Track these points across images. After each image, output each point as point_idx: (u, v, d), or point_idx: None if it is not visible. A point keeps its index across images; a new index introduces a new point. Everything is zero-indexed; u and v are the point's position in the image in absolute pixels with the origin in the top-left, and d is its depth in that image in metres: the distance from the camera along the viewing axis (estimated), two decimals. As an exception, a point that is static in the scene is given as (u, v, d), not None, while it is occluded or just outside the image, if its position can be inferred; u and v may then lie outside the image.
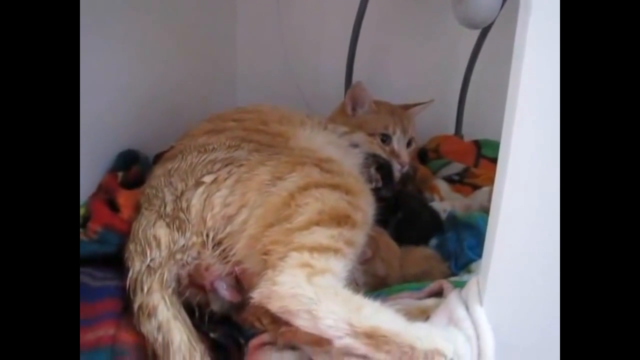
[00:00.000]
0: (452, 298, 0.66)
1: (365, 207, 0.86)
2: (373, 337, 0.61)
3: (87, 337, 0.74)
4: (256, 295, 0.70)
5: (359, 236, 0.82)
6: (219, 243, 0.80)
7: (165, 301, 0.74)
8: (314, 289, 0.66)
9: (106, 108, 1.04)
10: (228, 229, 0.80)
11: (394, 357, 0.60)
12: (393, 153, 1.30)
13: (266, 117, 1.01)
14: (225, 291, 0.81)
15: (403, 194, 1.18)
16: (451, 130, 1.72)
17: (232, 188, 0.82)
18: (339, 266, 0.74)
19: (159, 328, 0.72)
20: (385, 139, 1.32)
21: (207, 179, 0.83)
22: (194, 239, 0.80)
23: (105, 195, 0.96)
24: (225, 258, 0.80)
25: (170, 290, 0.77)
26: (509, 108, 0.57)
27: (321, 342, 0.71)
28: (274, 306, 0.68)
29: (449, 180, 1.43)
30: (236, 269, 0.80)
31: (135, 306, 0.75)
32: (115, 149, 1.09)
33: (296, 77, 1.70)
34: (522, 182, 0.58)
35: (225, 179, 0.83)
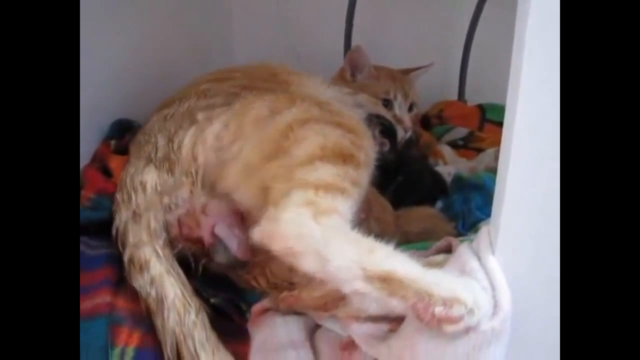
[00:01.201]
0: (463, 250, 0.63)
1: (368, 148, 0.81)
2: (387, 282, 0.57)
3: (84, 305, 0.72)
4: (256, 234, 0.66)
5: (364, 176, 0.77)
6: (209, 175, 0.76)
7: (157, 254, 0.72)
8: (321, 229, 0.62)
9: (101, 78, 1.01)
10: (219, 158, 0.76)
11: (408, 303, 0.56)
12: (395, 118, 1.27)
13: (275, 71, 0.97)
14: (228, 231, 0.76)
15: (404, 156, 1.15)
16: (454, 96, 1.68)
17: (226, 122, 0.78)
18: (345, 207, 0.69)
19: (152, 282, 0.70)
20: (387, 104, 1.29)
21: (200, 117, 0.79)
22: (183, 178, 0.76)
23: (99, 164, 0.93)
24: (214, 190, 0.76)
25: (161, 242, 0.74)
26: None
27: (326, 307, 0.68)
28: (277, 246, 0.63)
29: (454, 145, 1.40)
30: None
31: (125, 259, 0.72)
32: (110, 119, 1.06)
33: (294, 43, 1.66)
34: (534, 122, 0.54)
35: (220, 115, 0.78)
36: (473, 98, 1.65)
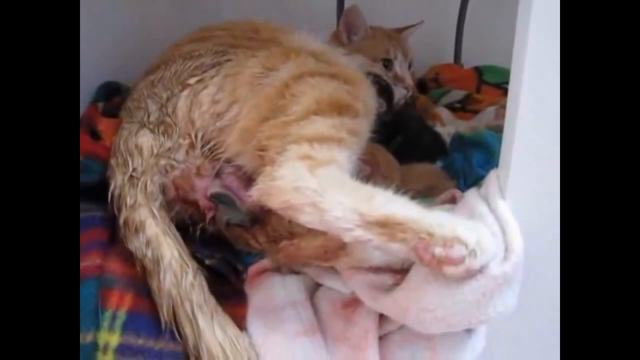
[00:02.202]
0: (471, 196, 0.60)
1: (366, 97, 0.79)
2: (387, 226, 0.54)
3: (72, 267, 0.68)
4: (254, 192, 0.64)
5: (363, 125, 0.75)
6: (209, 141, 0.74)
7: (154, 215, 0.69)
8: (317, 180, 0.60)
9: (85, 40, 0.97)
10: (218, 124, 0.74)
11: (409, 245, 0.53)
12: (397, 78, 1.25)
13: (258, 26, 0.93)
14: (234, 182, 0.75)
15: (403, 116, 1.12)
16: (450, 60, 1.64)
17: (220, 84, 0.75)
18: (342, 156, 0.67)
19: (148, 243, 0.67)
20: (387, 64, 1.26)
21: (192, 80, 0.77)
22: (181, 141, 0.74)
23: (87, 127, 0.89)
24: (215, 156, 0.74)
25: (157, 204, 0.71)
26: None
27: (326, 256, 0.66)
28: (275, 202, 0.61)
29: (451, 108, 1.37)
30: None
31: (121, 221, 0.69)
32: (97, 81, 1.03)
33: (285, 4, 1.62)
34: (542, 64, 0.51)
35: (213, 77, 0.76)
36: (469, 61, 1.61)
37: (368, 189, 0.60)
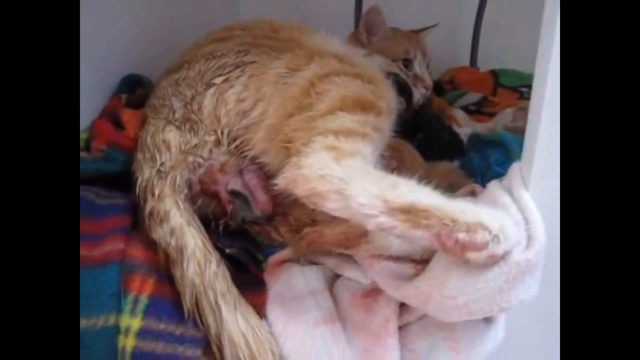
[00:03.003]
0: (494, 187, 0.60)
1: (388, 96, 0.81)
2: (411, 213, 0.55)
3: (95, 252, 0.69)
4: (280, 181, 0.65)
5: (385, 123, 0.77)
6: (235, 138, 0.75)
7: (178, 206, 0.70)
8: (343, 169, 0.61)
9: (108, 33, 0.99)
10: (244, 122, 0.75)
11: (432, 232, 0.54)
12: (416, 77, 1.26)
13: (277, 26, 0.94)
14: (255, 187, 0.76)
15: (422, 115, 1.13)
16: (466, 62, 1.65)
17: (245, 83, 0.76)
18: (367, 150, 0.68)
19: (172, 233, 0.68)
20: (407, 64, 1.27)
21: (218, 80, 0.78)
22: (207, 137, 0.75)
23: (110, 117, 0.91)
24: (241, 153, 0.75)
25: (182, 195, 0.72)
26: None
27: (348, 243, 0.66)
28: (301, 190, 0.62)
29: (466, 110, 1.38)
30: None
31: (146, 212, 0.70)
32: (120, 74, 1.04)
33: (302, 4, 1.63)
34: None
35: (238, 77, 0.77)
36: (485, 64, 1.62)
37: (392, 178, 0.61)
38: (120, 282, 0.67)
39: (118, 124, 0.88)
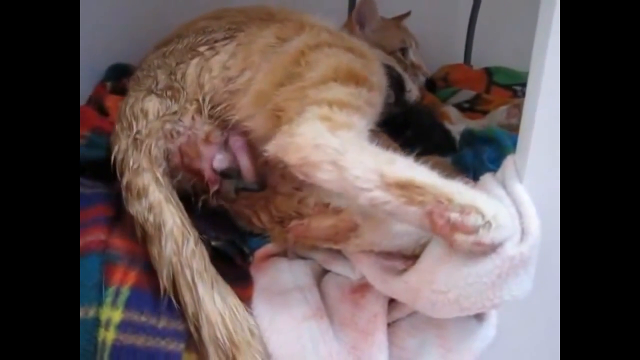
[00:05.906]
0: (487, 180, 0.59)
1: (379, 73, 0.79)
2: (406, 188, 0.53)
3: (75, 242, 0.67)
4: (271, 147, 0.62)
5: (378, 98, 0.75)
6: (219, 103, 0.73)
7: (157, 180, 0.68)
8: (338, 140, 0.58)
9: (96, 21, 0.97)
10: (230, 87, 0.73)
11: (426, 208, 0.52)
12: (414, 65, 1.26)
13: (272, 10, 0.93)
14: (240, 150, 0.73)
15: (413, 110, 1.10)
16: (460, 60, 1.63)
17: (232, 52, 0.75)
18: (362, 124, 0.66)
19: (150, 209, 0.66)
20: (404, 53, 1.27)
21: (203, 48, 0.76)
22: (188, 105, 0.73)
23: (95, 104, 0.89)
24: (224, 120, 0.73)
25: (161, 169, 0.69)
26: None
27: (337, 237, 0.64)
28: (292, 158, 0.59)
29: (459, 107, 1.36)
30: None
31: (123, 185, 0.68)
32: (106, 64, 1.05)
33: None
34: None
35: (225, 45, 0.75)
36: (478, 62, 1.61)
37: (389, 154, 0.59)
38: (102, 273, 0.65)
39: (102, 111, 0.86)
